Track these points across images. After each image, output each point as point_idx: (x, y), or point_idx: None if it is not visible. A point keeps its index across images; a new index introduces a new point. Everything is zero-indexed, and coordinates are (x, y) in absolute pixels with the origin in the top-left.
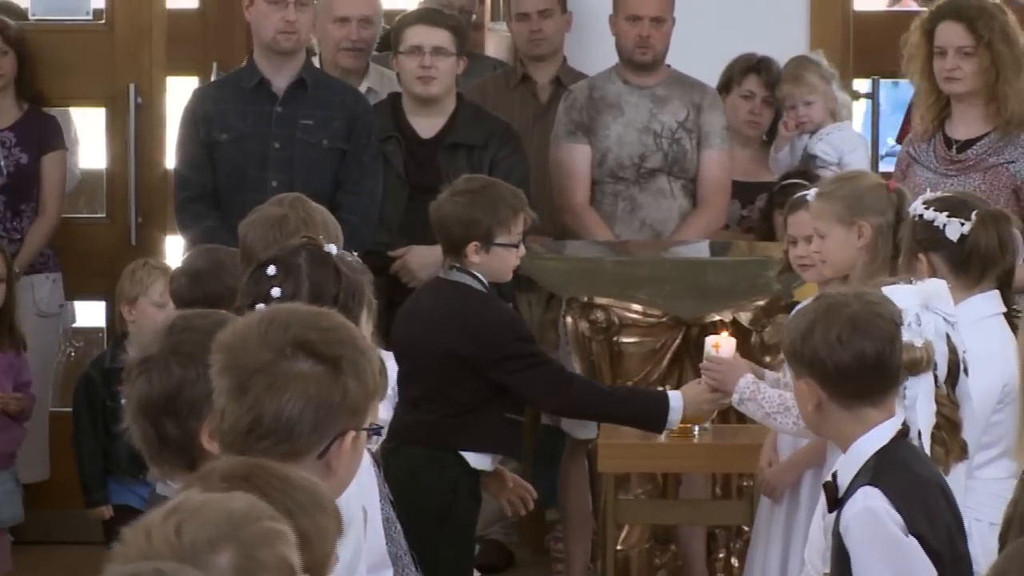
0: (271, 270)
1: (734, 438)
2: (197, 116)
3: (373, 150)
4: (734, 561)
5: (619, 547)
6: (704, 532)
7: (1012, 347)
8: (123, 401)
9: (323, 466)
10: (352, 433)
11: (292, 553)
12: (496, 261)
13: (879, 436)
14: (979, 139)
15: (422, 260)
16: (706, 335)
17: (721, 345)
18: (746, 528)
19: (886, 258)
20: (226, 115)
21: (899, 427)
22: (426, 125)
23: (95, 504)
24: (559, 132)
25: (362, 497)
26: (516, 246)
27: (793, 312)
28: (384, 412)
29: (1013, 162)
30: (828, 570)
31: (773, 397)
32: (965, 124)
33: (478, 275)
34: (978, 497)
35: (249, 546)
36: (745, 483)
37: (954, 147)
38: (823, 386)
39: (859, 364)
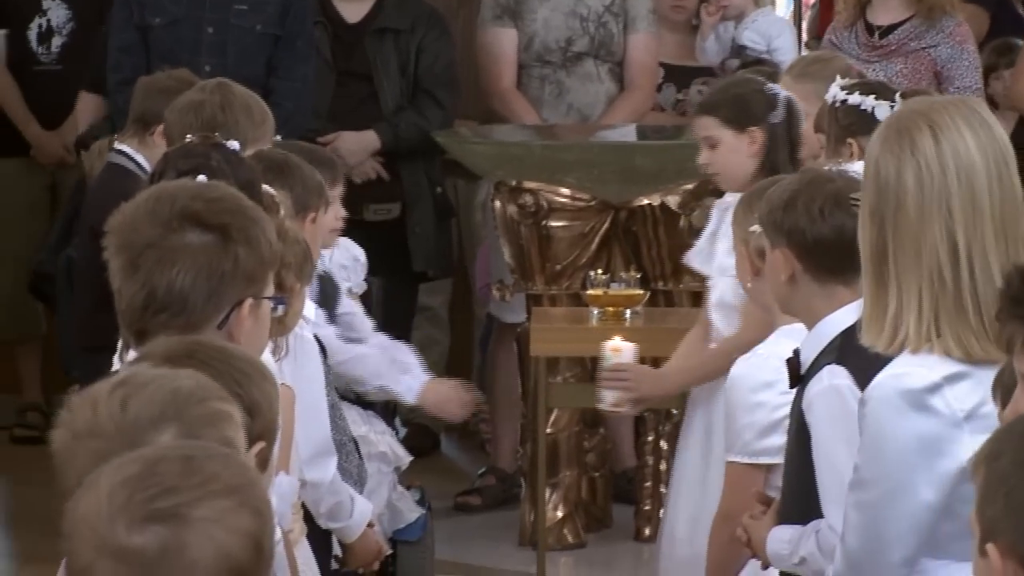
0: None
1: (664, 321)
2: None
3: (307, 36)
4: (663, 444)
5: (548, 430)
6: (632, 415)
7: None
8: None
9: (225, 336)
10: (250, 301)
11: (237, 435)
12: None
13: (846, 316)
14: (900, 24)
15: (352, 146)
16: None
17: (622, 350)
18: (675, 411)
19: None
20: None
21: None
22: (352, 10)
23: None
24: (485, 16)
25: (310, 384)
26: None
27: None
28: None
29: (935, 46)
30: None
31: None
32: (886, 10)
33: None
34: None
35: (192, 426)
36: None
37: (876, 33)
38: (799, 257)
39: (837, 238)
